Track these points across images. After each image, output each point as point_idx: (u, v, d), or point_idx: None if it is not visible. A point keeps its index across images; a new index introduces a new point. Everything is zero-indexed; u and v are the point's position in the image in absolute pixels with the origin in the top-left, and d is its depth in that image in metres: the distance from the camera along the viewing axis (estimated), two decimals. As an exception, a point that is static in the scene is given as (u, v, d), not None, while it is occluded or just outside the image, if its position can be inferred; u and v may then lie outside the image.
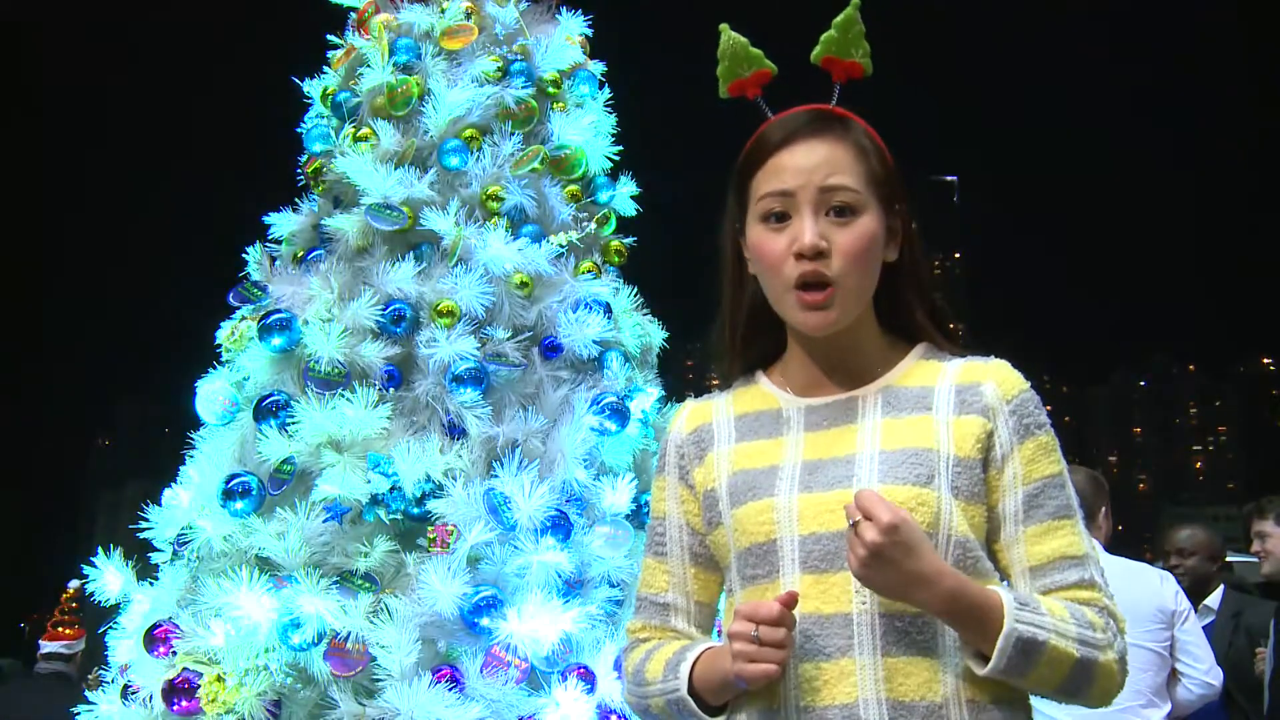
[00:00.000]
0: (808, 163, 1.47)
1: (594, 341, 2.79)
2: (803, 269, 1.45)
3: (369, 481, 2.51)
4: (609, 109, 3.19)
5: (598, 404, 2.69)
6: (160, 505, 2.76)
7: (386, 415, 2.57)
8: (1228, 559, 5.03)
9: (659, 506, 1.63)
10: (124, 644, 2.66)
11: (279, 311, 2.69)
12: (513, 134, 2.93)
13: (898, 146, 1.56)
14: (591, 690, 2.48)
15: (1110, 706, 1.45)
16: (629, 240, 3.13)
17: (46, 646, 4.93)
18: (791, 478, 1.47)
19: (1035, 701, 1.47)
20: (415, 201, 2.80)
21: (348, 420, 2.53)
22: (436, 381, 2.64)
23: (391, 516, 2.52)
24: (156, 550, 2.74)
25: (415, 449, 2.53)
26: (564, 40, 3.17)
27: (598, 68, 3.22)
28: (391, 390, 2.64)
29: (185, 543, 2.62)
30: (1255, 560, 4.62)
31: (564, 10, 3.24)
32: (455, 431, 2.61)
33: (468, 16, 3.04)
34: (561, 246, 2.88)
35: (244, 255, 2.98)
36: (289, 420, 2.58)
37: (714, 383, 1.78)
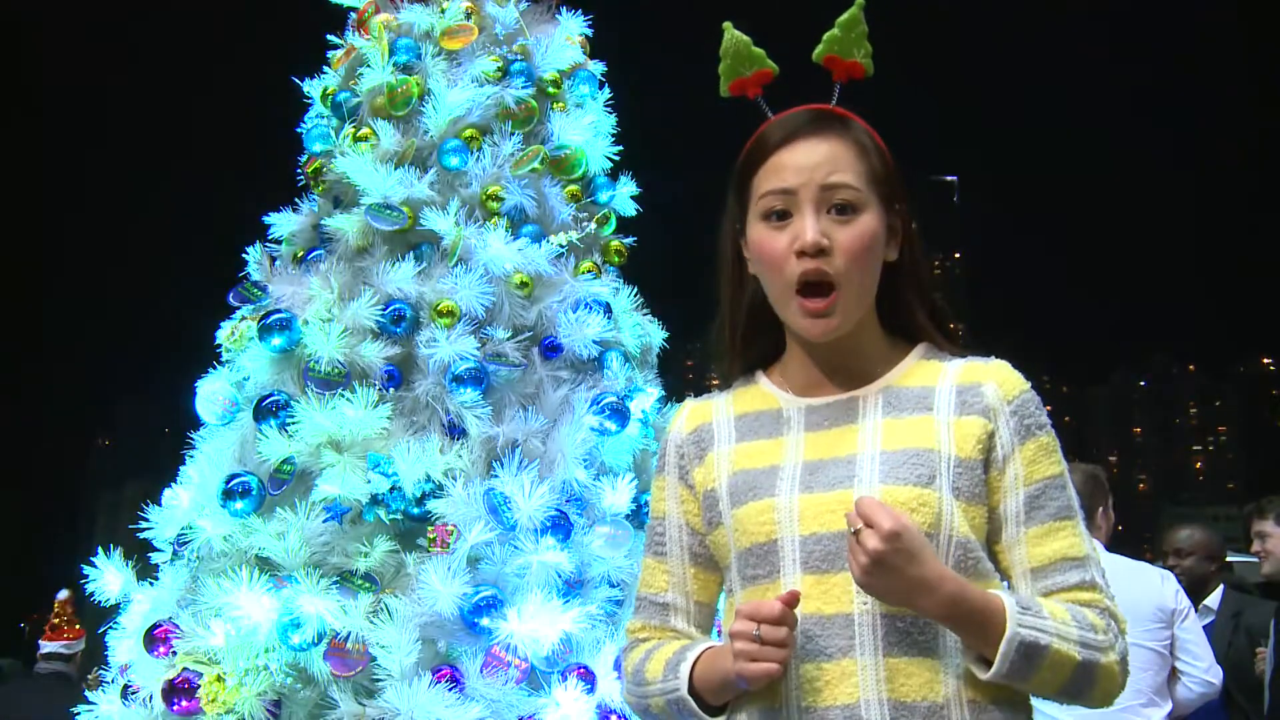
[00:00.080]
0: (809, 161, 1.47)
1: (594, 341, 2.79)
2: (804, 267, 1.45)
3: (369, 481, 2.51)
4: (609, 109, 3.19)
5: (598, 404, 2.69)
6: (160, 505, 2.76)
7: (386, 415, 2.57)
8: (1228, 559, 5.03)
9: (659, 506, 1.63)
10: (124, 644, 2.66)
11: (279, 311, 2.69)
12: (513, 134, 2.93)
13: (898, 146, 1.56)
14: (591, 690, 2.48)
15: (1111, 706, 1.45)
16: (629, 240, 3.13)
17: (46, 646, 4.93)
18: (792, 478, 1.47)
19: (1035, 701, 1.47)
20: (415, 201, 2.80)
21: (348, 420, 2.53)
22: (436, 381, 2.64)
23: (391, 516, 2.52)
24: (156, 550, 2.74)
25: (415, 449, 2.53)
26: (564, 40, 3.17)
27: (598, 68, 3.22)
28: (391, 390, 2.64)
29: (185, 543, 2.62)
30: (1255, 560, 4.62)
31: (564, 10, 3.24)
32: (455, 431, 2.61)
33: (468, 16, 3.04)
34: (561, 246, 2.88)
35: (244, 255, 2.98)
36: (289, 420, 2.58)
37: (714, 383, 1.77)
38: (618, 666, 2.42)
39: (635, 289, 3.07)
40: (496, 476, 2.50)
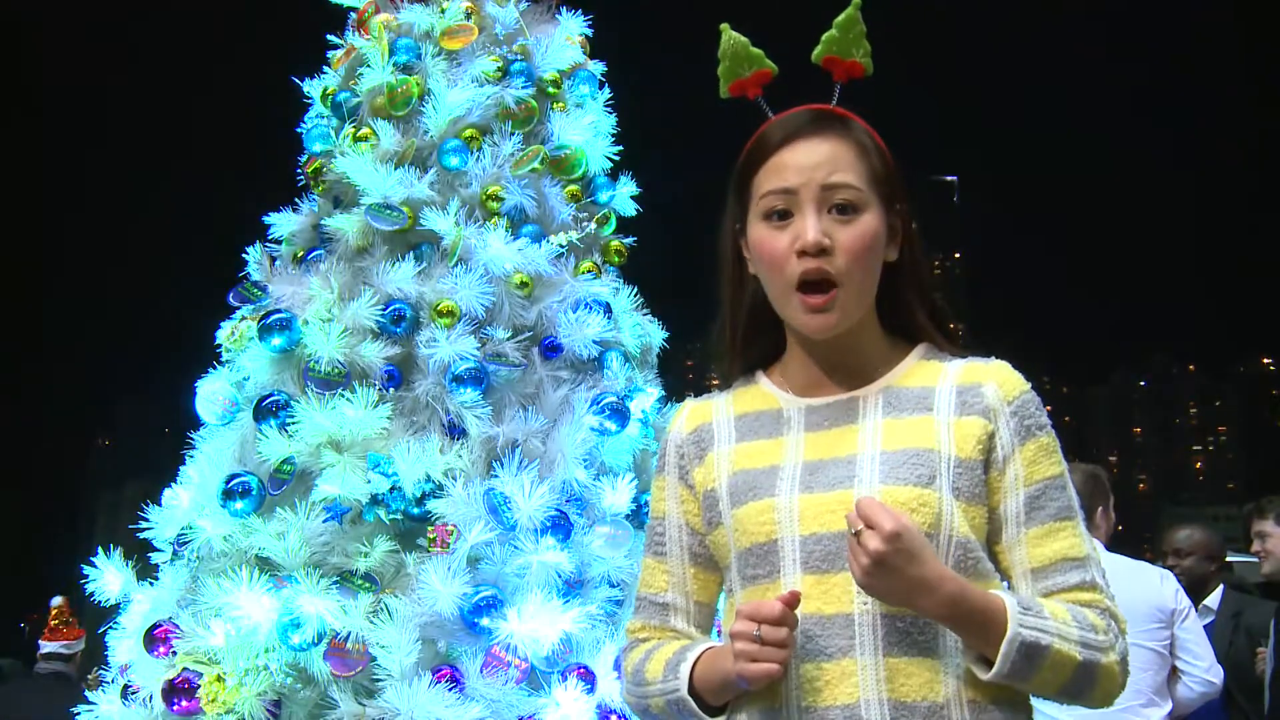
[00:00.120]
0: (809, 161, 1.47)
1: (594, 341, 2.79)
2: (805, 266, 1.45)
3: (369, 481, 2.51)
4: (609, 109, 3.19)
5: (598, 404, 2.69)
6: (160, 505, 2.76)
7: (386, 415, 2.57)
8: (1228, 559, 5.03)
9: (658, 506, 1.63)
10: (124, 644, 2.66)
11: (279, 311, 2.69)
12: (513, 134, 2.93)
13: (898, 146, 1.56)
14: (591, 690, 2.48)
15: (1111, 706, 1.45)
16: (629, 240, 3.13)
17: (46, 646, 4.94)
18: (792, 478, 1.47)
19: (1035, 701, 1.47)
20: (415, 201, 2.80)
21: (348, 420, 2.53)
22: (436, 381, 2.64)
23: (391, 516, 2.52)
24: (156, 550, 2.74)
25: (415, 449, 2.53)
26: (564, 40, 3.17)
27: (598, 68, 3.22)
28: (391, 390, 2.64)
29: (185, 543, 2.62)
30: (1255, 560, 4.62)
31: (564, 10, 3.24)
32: (455, 431, 2.61)
33: (468, 16, 3.04)
34: (561, 246, 2.87)
35: (244, 255, 2.98)
36: (289, 420, 2.58)
37: (714, 383, 1.78)
38: (618, 666, 2.42)
39: (635, 289, 3.07)
40: (496, 476, 2.50)
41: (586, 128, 3.07)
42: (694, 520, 1.58)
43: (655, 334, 3.10)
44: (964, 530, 1.42)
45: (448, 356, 2.62)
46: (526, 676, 2.42)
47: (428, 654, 2.39)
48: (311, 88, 3.17)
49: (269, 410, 2.60)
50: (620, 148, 3.18)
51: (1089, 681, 1.39)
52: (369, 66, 2.97)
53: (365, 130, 2.90)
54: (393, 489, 2.52)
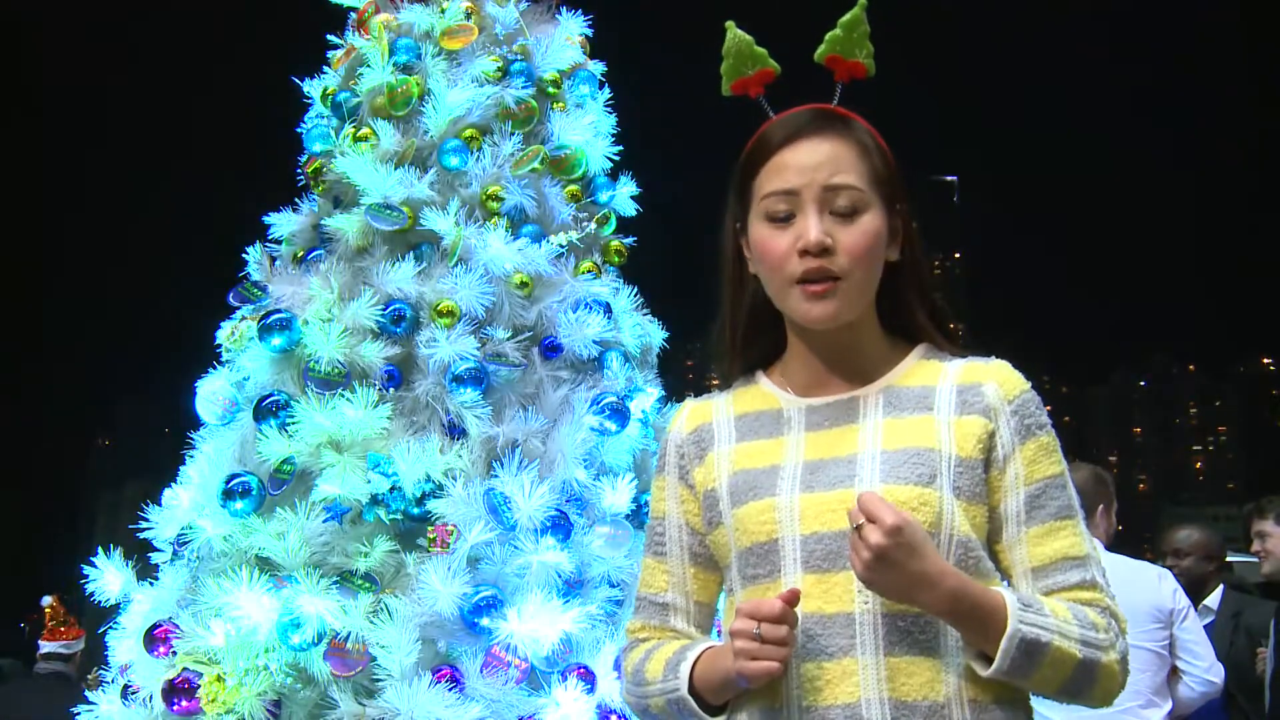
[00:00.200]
0: (811, 161, 1.47)
1: (594, 341, 2.79)
2: (807, 265, 1.45)
3: (369, 481, 2.51)
4: (609, 109, 3.19)
5: (598, 404, 2.69)
6: (160, 505, 2.76)
7: (386, 415, 2.57)
8: (1228, 559, 5.03)
9: (658, 506, 1.63)
10: (124, 644, 2.66)
11: (279, 311, 2.69)
12: (513, 134, 2.93)
13: (898, 146, 1.56)
14: (591, 690, 2.48)
15: (1111, 706, 1.45)
16: (629, 240, 3.13)
17: (46, 646, 4.94)
18: (793, 477, 1.47)
19: (1035, 701, 1.47)
20: (415, 201, 2.80)
21: (348, 420, 2.53)
22: (436, 381, 2.64)
23: (391, 516, 2.52)
24: (156, 550, 2.74)
25: (415, 449, 2.53)
26: (564, 40, 3.17)
27: (598, 68, 3.22)
28: (391, 390, 2.64)
29: (185, 543, 2.62)
30: (1255, 560, 4.62)
31: (564, 10, 3.23)
32: (455, 431, 2.61)
33: (468, 16, 3.04)
34: (561, 246, 2.87)
35: (244, 255, 2.98)
36: (289, 420, 2.58)
37: (714, 383, 1.78)
38: (617, 666, 2.42)
39: (635, 289, 3.07)
40: (496, 476, 2.50)
41: (586, 128, 3.07)
42: (694, 520, 1.58)
43: (655, 334, 3.10)
44: (965, 529, 1.42)
45: (448, 356, 2.62)
46: (526, 676, 2.42)
47: (428, 654, 2.39)
48: (311, 88, 3.17)
49: (269, 410, 2.60)
50: (620, 148, 3.17)
51: (1089, 680, 1.39)
52: (369, 66, 2.97)
53: (365, 130, 2.90)
54: (393, 489, 2.52)
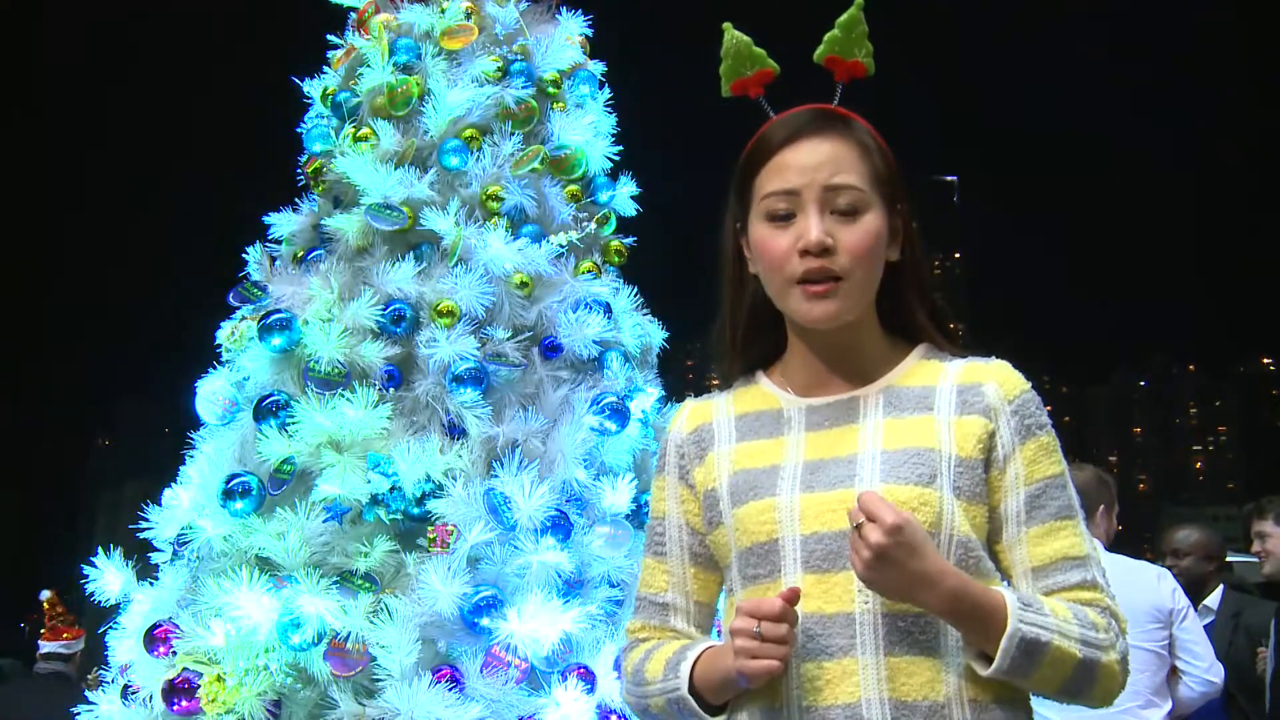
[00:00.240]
0: (812, 161, 1.47)
1: (594, 341, 2.79)
2: (808, 265, 1.45)
3: (369, 481, 2.51)
4: (609, 109, 3.19)
5: (598, 404, 2.69)
6: (160, 505, 2.76)
7: (386, 415, 2.57)
8: (1228, 559, 5.03)
9: (659, 506, 1.63)
10: (124, 644, 2.66)
11: (279, 311, 2.69)
12: (513, 134, 2.93)
13: (898, 146, 1.56)
14: (591, 690, 2.48)
15: (1110, 706, 1.45)
16: (629, 240, 3.13)
17: (45, 646, 4.93)
18: (793, 477, 1.47)
19: (1034, 701, 1.47)
20: (415, 201, 2.80)
21: (348, 420, 2.53)
22: (436, 381, 2.64)
23: (391, 516, 2.52)
24: (156, 550, 2.74)
25: (415, 449, 2.53)
26: (564, 40, 3.17)
27: (598, 68, 3.22)
28: (391, 390, 2.64)
29: (185, 543, 2.62)
30: (1255, 560, 4.62)
31: (564, 10, 3.23)
32: (455, 431, 2.61)
33: (468, 16, 3.04)
34: (561, 246, 2.87)
35: (244, 255, 2.98)
36: (289, 420, 2.58)
37: (714, 383, 1.78)
38: (618, 666, 2.42)
39: (635, 289, 3.07)
40: (496, 476, 2.50)
41: (586, 128, 3.07)
42: (694, 520, 1.58)
43: (655, 334, 3.10)
44: (965, 529, 1.42)
45: (448, 356, 2.62)
46: (526, 676, 2.42)
47: (428, 654, 2.39)
48: (311, 88, 3.17)
49: (269, 410, 2.60)
50: (620, 148, 3.17)
51: (1089, 679, 1.39)
52: (369, 66, 2.97)
53: (365, 130, 2.90)
54: (393, 489, 2.52)
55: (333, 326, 2.64)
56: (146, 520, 2.73)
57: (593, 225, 3.02)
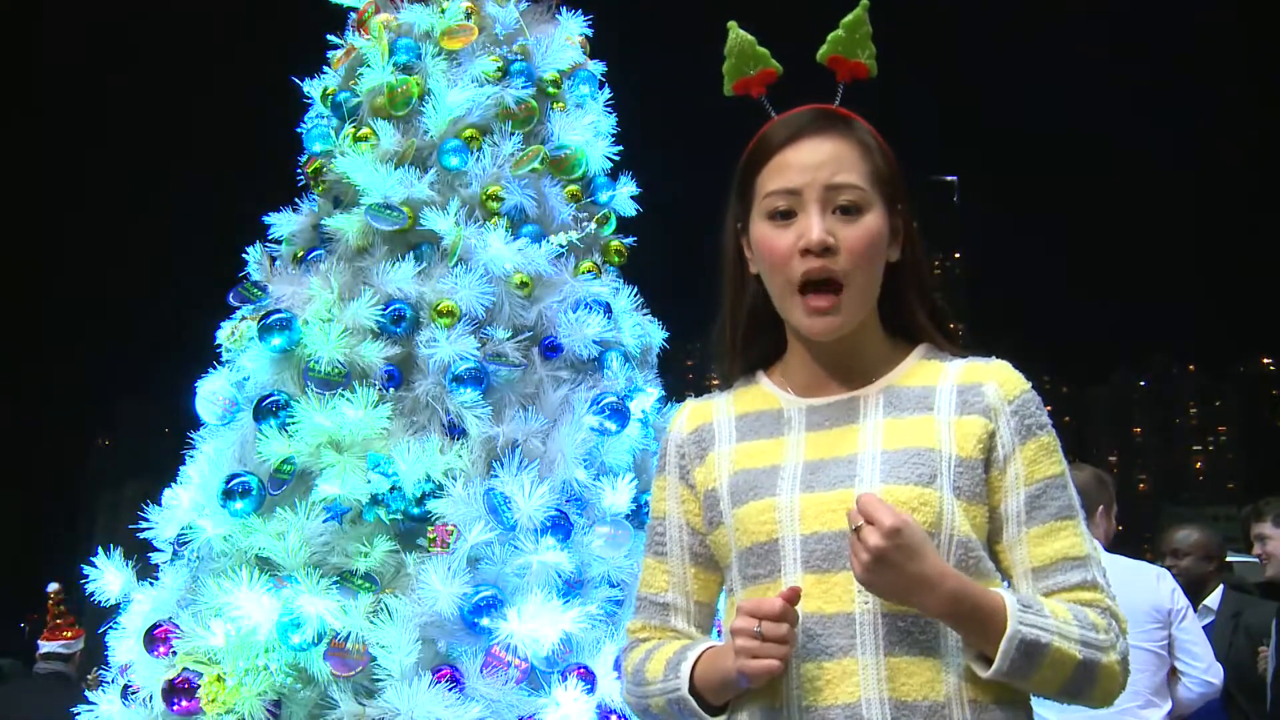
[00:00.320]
0: (813, 160, 1.47)
1: (594, 341, 2.79)
2: (809, 265, 1.45)
3: (369, 481, 2.51)
4: (609, 109, 3.19)
5: (598, 404, 2.69)
6: (160, 505, 2.76)
7: (386, 415, 2.57)
8: (1228, 559, 5.03)
9: (659, 506, 1.63)
10: (124, 644, 2.66)
11: (279, 311, 2.69)
12: (513, 134, 2.93)
13: (898, 146, 1.56)
14: (591, 690, 2.48)
15: (1111, 706, 1.45)
16: (629, 240, 3.13)
17: (45, 646, 4.93)
18: (793, 477, 1.47)
19: (1034, 701, 1.47)
20: (415, 201, 2.80)
21: (348, 420, 2.53)
22: (436, 381, 2.64)
23: (391, 516, 2.52)
24: (156, 550, 2.74)
25: (415, 449, 2.53)
26: (564, 40, 3.17)
27: (598, 68, 3.22)
28: (391, 390, 2.64)
29: (185, 543, 2.62)
30: (1256, 560, 4.62)
31: (564, 10, 3.24)
32: (455, 431, 2.61)
33: (468, 16, 3.04)
34: (561, 246, 2.87)
35: (244, 255, 2.98)
36: (289, 420, 2.58)
37: (714, 383, 1.78)
38: (618, 666, 2.42)
39: (635, 289, 3.07)
40: (496, 476, 2.50)
41: (586, 128, 3.07)
42: (695, 520, 1.58)
43: (655, 334, 3.10)
44: (965, 529, 1.42)
45: (448, 356, 2.62)
46: (526, 676, 2.42)
47: (428, 654, 2.39)
48: (311, 88, 3.17)
49: (269, 410, 2.60)
50: (620, 148, 3.17)
51: (1089, 680, 1.39)
52: (369, 66, 2.97)
53: (365, 130, 2.90)
54: (393, 489, 2.52)
55: (333, 326, 2.64)
56: (146, 520, 2.73)
57: (593, 225, 3.02)
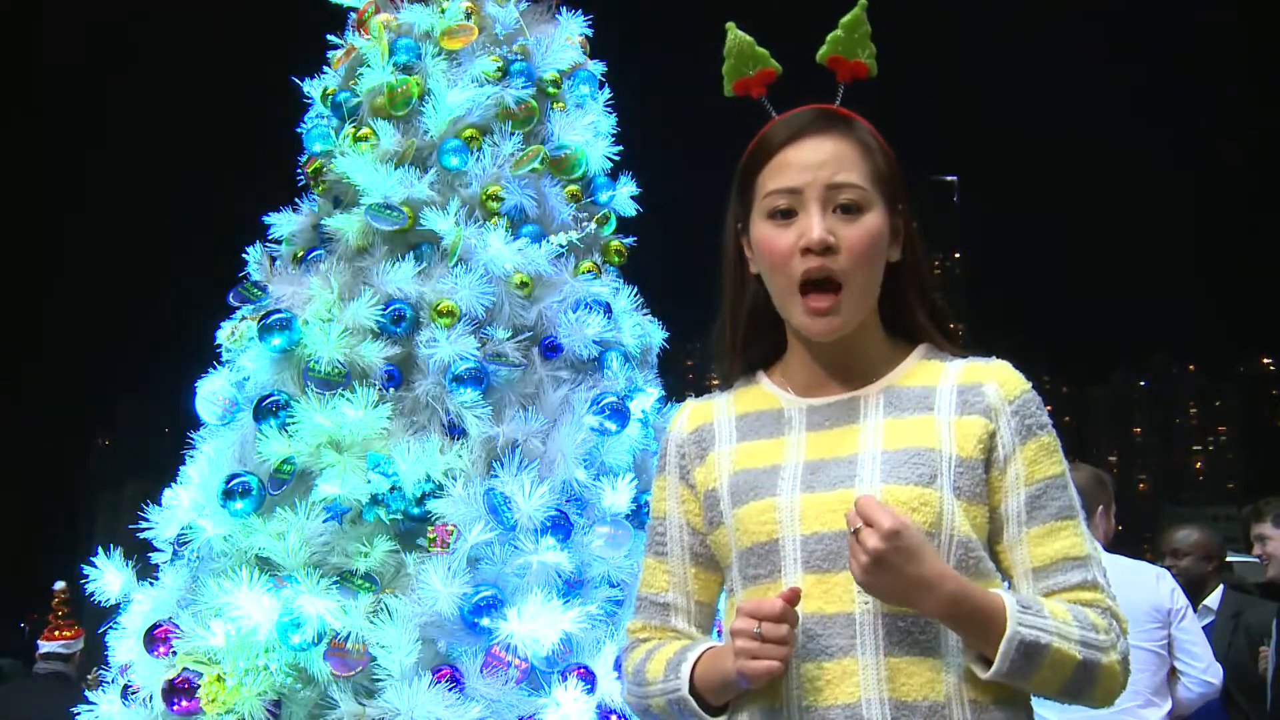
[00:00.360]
0: (814, 159, 1.47)
1: (594, 341, 2.79)
2: (809, 265, 1.45)
3: (369, 481, 2.51)
4: (609, 109, 3.19)
5: (598, 404, 2.69)
6: (160, 505, 2.76)
7: (386, 415, 2.57)
8: (1228, 559, 5.03)
9: (659, 506, 1.63)
10: (124, 644, 2.66)
11: (279, 311, 2.69)
12: (513, 134, 2.93)
13: (898, 147, 1.56)
14: (591, 690, 2.48)
15: (1111, 706, 1.45)
16: (629, 240, 3.13)
17: (45, 646, 4.93)
18: (794, 477, 1.47)
19: (1033, 701, 1.47)
20: (415, 201, 2.80)
21: (348, 420, 2.53)
22: (436, 381, 2.64)
23: (391, 516, 2.52)
24: (156, 550, 2.74)
25: (415, 449, 2.53)
26: (564, 40, 3.17)
27: (598, 68, 3.22)
28: (391, 390, 2.64)
29: (185, 543, 2.62)
30: (1256, 560, 4.62)
31: (564, 10, 3.24)
32: (455, 431, 2.61)
33: (468, 16, 3.04)
34: (561, 246, 2.87)
35: (244, 255, 2.98)
36: (289, 420, 2.58)
37: (714, 383, 1.78)
38: (618, 666, 2.42)
39: (635, 289, 3.07)
40: (496, 476, 2.50)
41: (586, 128, 3.07)
42: (695, 520, 1.58)
43: (655, 334, 3.10)
44: (965, 530, 1.42)
45: (448, 356, 2.62)
46: (526, 676, 2.42)
47: (428, 654, 2.39)
48: (311, 88, 3.17)
49: (269, 410, 2.60)
50: (620, 148, 3.17)
51: (1089, 681, 1.39)
52: (369, 66, 2.97)
53: (365, 130, 2.90)
54: (393, 489, 2.52)
55: (333, 326, 2.64)
56: (146, 520, 2.73)
57: (593, 225, 3.02)
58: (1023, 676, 1.35)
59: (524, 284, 2.76)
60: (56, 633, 4.92)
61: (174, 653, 2.44)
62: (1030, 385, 1.51)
